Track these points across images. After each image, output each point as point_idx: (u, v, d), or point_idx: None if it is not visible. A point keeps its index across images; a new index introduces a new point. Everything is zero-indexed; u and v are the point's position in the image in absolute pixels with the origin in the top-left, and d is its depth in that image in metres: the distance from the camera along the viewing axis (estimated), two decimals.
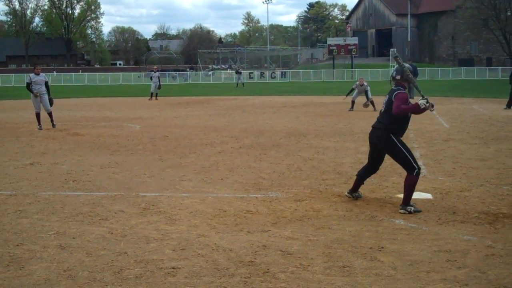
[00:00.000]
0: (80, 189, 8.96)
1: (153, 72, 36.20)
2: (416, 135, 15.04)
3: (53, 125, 18.08)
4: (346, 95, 25.84)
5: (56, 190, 8.89)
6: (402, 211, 7.29)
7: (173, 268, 5.29)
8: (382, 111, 7.64)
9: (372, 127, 7.80)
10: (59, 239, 6.25)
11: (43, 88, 17.95)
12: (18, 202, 8.06)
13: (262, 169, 10.49)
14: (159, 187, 9.00)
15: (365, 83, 24.01)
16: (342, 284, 4.91)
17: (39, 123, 18.05)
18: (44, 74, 18.41)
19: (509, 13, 74.48)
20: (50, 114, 18.21)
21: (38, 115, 18.18)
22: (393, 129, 7.45)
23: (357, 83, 24.64)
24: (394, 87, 7.59)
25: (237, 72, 56.27)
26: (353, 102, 24.24)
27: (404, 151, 7.47)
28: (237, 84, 52.10)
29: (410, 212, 7.22)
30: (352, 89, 24.82)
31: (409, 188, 7.36)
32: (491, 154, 11.87)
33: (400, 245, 5.95)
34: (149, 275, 5.12)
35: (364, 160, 11.21)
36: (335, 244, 5.99)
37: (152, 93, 34.30)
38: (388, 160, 10.90)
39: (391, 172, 9.99)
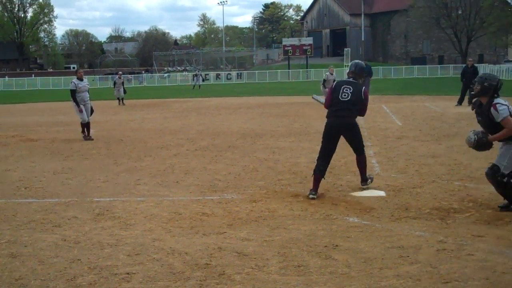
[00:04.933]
0: (32, 196, 8.81)
1: (117, 78, 33.86)
2: (369, 133, 15.23)
3: (86, 136, 15.77)
4: (323, 87, 24.29)
5: (8, 197, 8.71)
6: (365, 185, 8.45)
7: (128, 273, 5.25)
8: (347, 100, 8.18)
9: (337, 116, 8.27)
10: (10, 247, 6.13)
11: (87, 95, 15.96)
12: None
13: (218, 171, 10.49)
14: (114, 192, 8.91)
15: (335, 74, 23.55)
16: (297, 283, 4.95)
17: (85, 132, 15.84)
18: (86, 79, 16.33)
19: (460, 12, 76.01)
20: (88, 124, 15.92)
21: (85, 125, 15.85)
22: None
23: (327, 73, 24.08)
24: (353, 79, 8.40)
25: (196, 75, 55.85)
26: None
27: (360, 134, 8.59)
28: (194, 86, 51.89)
29: (371, 181, 8.65)
30: (324, 81, 24.27)
31: (365, 165, 8.64)
32: (442, 151, 12.11)
33: (354, 242, 6.02)
34: (103, 282, 5.06)
35: None
36: (290, 243, 6.03)
37: (118, 99, 32.41)
38: (342, 159, 11.08)
39: (345, 171, 10.10)
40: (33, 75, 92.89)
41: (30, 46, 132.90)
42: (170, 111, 26.42)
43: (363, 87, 8.39)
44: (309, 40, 79.39)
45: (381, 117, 20.09)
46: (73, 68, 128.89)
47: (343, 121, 8.25)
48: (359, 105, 8.29)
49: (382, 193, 8.32)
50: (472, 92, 7.52)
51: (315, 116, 17.51)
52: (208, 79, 71.70)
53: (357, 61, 8.95)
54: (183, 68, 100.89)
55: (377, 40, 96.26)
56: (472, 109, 8.85)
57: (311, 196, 8.08)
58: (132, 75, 76.50)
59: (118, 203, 8.11)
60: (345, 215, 7.20)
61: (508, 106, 7.02)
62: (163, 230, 6.70)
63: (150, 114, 24.87)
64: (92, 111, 16.21)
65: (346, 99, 8.19)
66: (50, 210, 7.79)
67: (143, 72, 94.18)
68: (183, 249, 5.91)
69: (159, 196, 8.52)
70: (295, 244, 6.01)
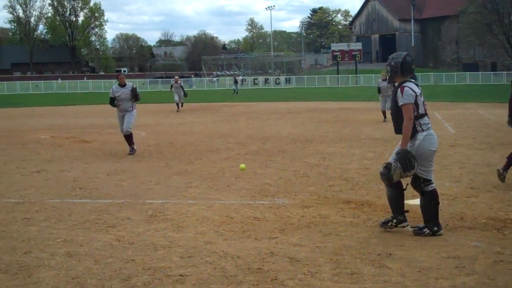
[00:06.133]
0: (86, 196, 8.98)
1: (173, 82, 31.59)
2: None
3: (131, 150, 13.81)
4: (379, 94, 21.58)
5: (63, 197, 8.90)
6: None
7: (181, 275, 5.29)
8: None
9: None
10: (66, 246, 6.26)
11: (128, 105, 13.82)
12: (25, 209, 8.08)
13: (268, 176, 10.49)
14: (166, 194, 9.01)
15: None
16: None
17: (130, 145, 13.99)
18: (131, 83, 14.18)
19: None
20: (128, 136, 13.89)
21: (125, 137, 14.04)
22: None
23: (379, 79, 21.49)
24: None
25: (235, 82, 55.78)
26: (384, 112, 20.63)
27: None
28: (234, 91, 51.83)
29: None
30: (379, 88, 21.22)
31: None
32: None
33: (408, 251, 5.93)
34: (157, 283, 5.11)
35: (370, 165, 11.24)
36: (343, 250, 5.97)
37: (177, 104, 30.39)
38: None
39: None
40: (85, 78, 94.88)
41: (82, 50, 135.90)
42: (220, 115, 26.60)
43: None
44: (358, 46, 78.96)
45: (433, 124, 19.72)
46: (124, 71, 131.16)
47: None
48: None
49: None
50: None
51: (365, 122, 17.36)
52: (256, 83, 71.98)
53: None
54: (231, 72, 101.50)
55: (427, 46, 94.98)
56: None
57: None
58: (182, 79, 77.29)
59: (170, 205, 8.19)
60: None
61: (417, 96, 6.44)
62: (215, 233, 6.73)
63: (199, 118, 25.09)
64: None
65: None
66: (104, 211, 7.92)
67: (192, 76, 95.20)
68: (235, 253, 5.93)
69: (210, 199, 8.57)
70: (348, 251, 5.95)
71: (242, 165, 10.48)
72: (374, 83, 58.04)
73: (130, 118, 13.76)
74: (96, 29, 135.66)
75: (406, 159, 6.42)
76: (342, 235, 6.58)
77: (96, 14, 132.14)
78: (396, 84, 6.73)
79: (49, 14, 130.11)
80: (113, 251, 6.07)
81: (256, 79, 76.12)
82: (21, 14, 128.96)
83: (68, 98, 49.08)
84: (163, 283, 5.10)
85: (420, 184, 6.59)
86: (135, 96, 13.74)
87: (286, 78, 76.60)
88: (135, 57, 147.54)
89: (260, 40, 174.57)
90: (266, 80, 75.28)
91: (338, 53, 76.21)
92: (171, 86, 31.80)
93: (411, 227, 6.74)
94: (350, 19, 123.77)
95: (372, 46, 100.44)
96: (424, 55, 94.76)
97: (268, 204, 8.21)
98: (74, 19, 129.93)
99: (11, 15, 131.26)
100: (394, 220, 6.71)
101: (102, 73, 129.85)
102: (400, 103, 6.47)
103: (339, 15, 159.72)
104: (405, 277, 5.20)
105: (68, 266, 5.60)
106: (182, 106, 30.62)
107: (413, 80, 6.75)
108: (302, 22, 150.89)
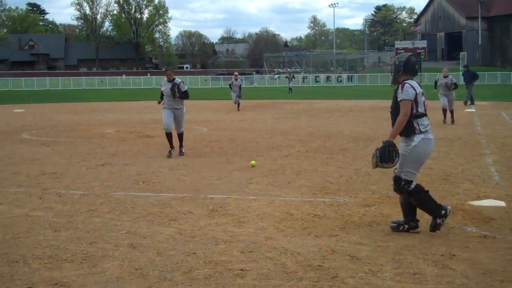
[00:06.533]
0: (149, 190, 9.14)
1: (233, 79, 29.40)
2: (488, 141, 14.63)
3: (180, 151, 13.01)
4: (435, 89, 20.37)
5: (127, 190, 9.09)
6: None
7: (242, 270, 5.32)
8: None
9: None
10: (130, 238, 6.39)
11: (175, 103, 12.81)
12: (90, 201, 8.29)
13: (329, 173, 10.43)
14: (227, 190, 9.08)
15: (451, 75, 19.42)
16: None
17: (171, 146, 12.90)
18: (180, 80, 12.92)
19: None
20: (180, 135, 13.06)
21: (167, 135, 12.91)
22: None
23: (439, 76, 20.16)
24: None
25: (290, 78, 54.79)
26: (444, 111, 19.61)
27: None
28: (290, 89, 50.98)
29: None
30: (436, 82, 20.16)
31: None
32: None
33: (473, 253, 5.79)
34: (218, 276, 5.16)
35: (433, 165, 11.01)
36: (405, 250, 5.88)
37: (236, 103, 28.61)
38: (459, 166, 10.75)
39: (462, 179, 9.75)
40: (148, 74, 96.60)
41: (146, 46, 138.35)
42: (281, 112, 26.60)
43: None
44: (422, 43, 77.48)
45: (499, 124, 19.25)
46: (186, 68, 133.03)
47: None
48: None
49: (502, 203, 7.94)
50: None
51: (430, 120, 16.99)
52: (318, 81, 71.72)
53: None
54: (292, 70, 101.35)
55: (495, 44, 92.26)
56: None
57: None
58: (243, 76, 77.70)
59: (231, 201, 8.25)
60: (462, 224, 6.94)
61: (417, 94, 6.38)
62: (275, 229, 6.74)
63: (260, 115, 25.16)
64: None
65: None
66: (166, 204, 8.05)
67: (254, 73, 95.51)
68: (295, 249, 5.92)
69: (271, 196, 8.58)
70: (410, 251, 5.86)
71: (253, 161, 10.88)
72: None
73: (181, 118, 13.00)
74: (160, 26, 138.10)
75: (386, 151, 6.40)
76: (404, 234, 6.48)
77: (161, 12, 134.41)
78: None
79: (115, 12, 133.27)
80: (175, 244, 6.16)
81: (318, 76, 75.83)
82: (88, 12, 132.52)
83: (132, 94, 50.07)
84: (224, 277, 5.15)
85: (403, 186, 6.49)
86: (173, 91, 12.59)
87: (348, 76, 75.99)
88: (198, 54, 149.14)
89: (322, 38, 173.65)
90: (327, 78, 74.90)
91: (402, 51, 74.87)
92: (230, 85, 29.62)
93: (392, 222, 6.73)
94: (415, 17, 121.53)
95: (437, 44, 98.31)
96: (491, 53, 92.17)
97: (329, 202, 8.16)
98: (139, 16, 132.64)
99: (78, 12, 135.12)
100: (406, 226, 6.62)
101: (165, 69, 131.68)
102: (399, 99, 6.43)
103: (403, 12, 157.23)
104: (469, 279, 5.08)
105: (132, 257, 5.72)
106: (238, 107, 28.35)
107: (415, 80, 6.65)
108: (365, 19, 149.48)
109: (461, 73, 33.84)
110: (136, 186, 9.43)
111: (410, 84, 6.45)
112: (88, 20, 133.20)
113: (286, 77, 57.21)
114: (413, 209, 6.62)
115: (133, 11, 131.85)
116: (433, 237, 6.35)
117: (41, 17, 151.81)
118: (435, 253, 5.78)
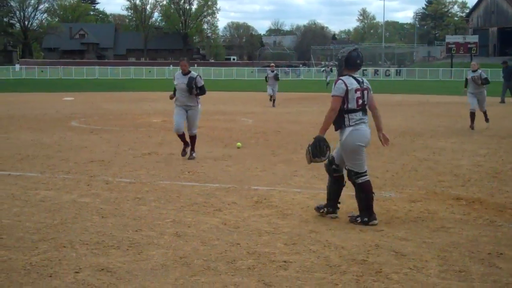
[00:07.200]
0: (195, 180, 9.22)
1: (269, 71, 27.24)
2: None
3: (191, 155, 11.39)
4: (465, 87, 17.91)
5: (173, 179, 9.19)
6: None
7: (285, 261, 5.32)
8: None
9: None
10: (175, 227, 6.46)
11: (189, 100, 11.33)
12: (137, 189, 8.41)
13: (375, 168, 10.30)
14: (271, 182, 9.08)
15: (480, 70, 17.09)
16: None
17: (185, 143, 11.61)
18: (196, 73, 11.62)
19: None
20: (192, 138, 11.54)
21: (179, 137, 11.59)
22: None
23: (469, 70, 17.54)
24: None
25: (325, 71, 53.73)
26: (472, 115, 16.70)
27: None
28: (327, 84, 49.92)
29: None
30: (466, 81, 17.47)
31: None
32: None
33: None
34: (262, 267, 5.17)
35: (483, 163, 10.80)
36: (451, 247, 5.79)
37: (270, 97, 26.59)
38: (509, 164, 10.51)
39: (511, 176, 9.54)
40: (195, 65, 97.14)
41: (194, 37, 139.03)
42: (327, 105, 26.26)
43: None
44: (474, 38, 76.04)
45: None
46: (233, 59, 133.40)
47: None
48: None
49: None
50: None
51: (479, 117, 16.66)
52: (366, 75, 70.98)
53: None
54: (330, 63, 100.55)
55: None
56: None
57: None
58: (290, 68, 77.55)
59: (275, 193, 8.25)
60: (510, 222, 6.78)
61: (349, 90, 6.56)
62: (319, 223, 6.72)
63: (306, 107, 25.07)
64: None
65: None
66: (211, 195, 8.10)
67: (301, 65, 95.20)
68: (339, 243, 5.89)
69: (315, 189, 8.55)
70: (456, 249, 5.76)
71: (238, 143, 10.70)
72: (490, 77, 55.69)
73: (195, 118, 11.54)
74: (208, 18, 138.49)
75: (317, 145, 6.71)
76: (450, 231, 6.38)
77: (209, 3, 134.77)
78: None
79: (164, 2, 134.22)
80: (219, 234, 6.20)
81: (366, 70, 75.00)
82: (137, 2, 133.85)
83: None
84: (267, 268, 5.16)
85: (352, 176, 6.77)
86: (190, 88, 11.11)
87: (396, 70, 75.09)
88: (245, 45, 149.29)
89: (371, 31, 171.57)
90: (375, 72, 74.09)
91: (453, 46, 73.78)
92: (266, 77, 27.27)
93: (348, 216, 6.90)
94: (467, 11, 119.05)
95: (489, 39, 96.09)
96: None
97: (375, 197, 8.04)
98: (188, 7, 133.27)
99: (128, 3, 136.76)
100: (325, 209, 6.98)
101: (212, 60, 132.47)
102: (331, 94, 6.71)
103: (455, 6, 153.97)
104: None
105: (176, 245, 5.78)
106: (274, 103, 26.21)
107: (353, 75, 6.78)
108: (416, 13, 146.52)
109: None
110: (181, 176, 9.52)
111: (342, 80, 6.64)
112: (138, 11, 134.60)
113: (323, 70, 56.36)
114: (336, 195, 6.98)
115: (182, 2, 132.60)
116: (481, 235, 6.23)
117: (92, 7, 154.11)
118: (481, 251, 5.67)
